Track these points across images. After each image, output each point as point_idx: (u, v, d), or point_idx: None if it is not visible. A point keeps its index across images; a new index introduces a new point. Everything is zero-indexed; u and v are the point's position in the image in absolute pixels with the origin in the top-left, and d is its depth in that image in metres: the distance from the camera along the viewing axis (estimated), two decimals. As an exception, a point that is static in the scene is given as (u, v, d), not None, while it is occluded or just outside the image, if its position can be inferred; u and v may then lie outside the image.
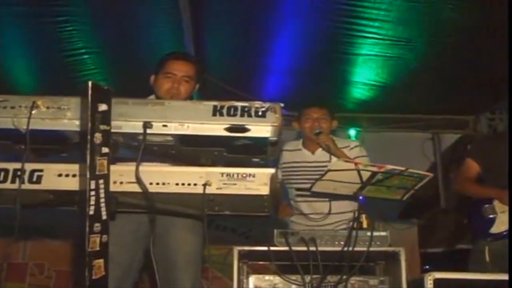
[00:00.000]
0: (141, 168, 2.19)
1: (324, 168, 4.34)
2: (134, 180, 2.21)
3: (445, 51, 5.55)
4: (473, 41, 5.33)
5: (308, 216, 4.43)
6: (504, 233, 4.23)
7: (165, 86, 3.56)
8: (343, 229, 4.13)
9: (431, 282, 3.05)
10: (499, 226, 4.25)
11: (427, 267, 6.70)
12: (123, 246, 3.30)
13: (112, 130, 2.09)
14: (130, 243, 3.37)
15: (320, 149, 4.49)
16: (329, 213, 4.32)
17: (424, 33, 5.25)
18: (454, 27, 5.08)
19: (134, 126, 2.20)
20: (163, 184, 2.27)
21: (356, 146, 4.57)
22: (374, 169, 3.13)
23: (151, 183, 2.23)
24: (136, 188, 2.22)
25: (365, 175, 3.16)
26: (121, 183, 2.25)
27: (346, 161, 3.24)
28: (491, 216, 4.31)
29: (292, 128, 4.69)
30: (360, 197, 3.35)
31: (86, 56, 5.61)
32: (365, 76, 6.15)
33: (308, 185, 4.23)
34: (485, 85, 6.28)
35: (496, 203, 4.33)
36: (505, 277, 3.38)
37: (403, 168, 3.16)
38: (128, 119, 2.19)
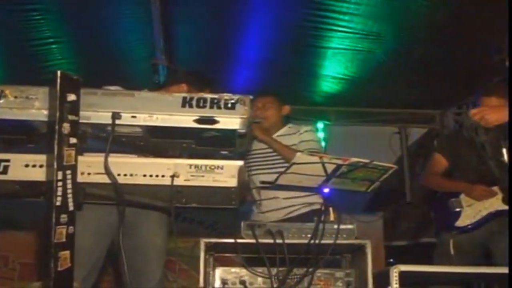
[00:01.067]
0: (109, 159, 2.17)
1: (272, 156, 4.39)
2: (102, 171, 2.20)
3: (413, 46, 5.59)
4: (442, 36, 5.38)
5: (260, 203, 4.45)
6: (469, 226, 4.29)
7: None
8: (298, 216, 4.21)
9: (396, 274, 3.08)
10: (464, 219, 4.31)
11: (391, 260, 6.74)
12: (93, 236, 3.28)
13: (81, 121, 2.07)
14: (100, 233, 3.35)
15: (274, 136, 4.51)
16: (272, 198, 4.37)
17: (394, 27, 5.29)
18: (423, 22, 5.12)
19: (102, 117, 2.18)
20: (131, 175, 2.26)
21: (306, 131, 4.51)
22: (339, 161, 3.14)
23: (119, 174, 2.22)
24: (104, 179, 2.21)
25: (330, 167, 3.17)
26: (89, 174, 2.24)
27: (311, 154, 3.24)
28: (457, 209, 4.36)
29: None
30: (327, 189, 3.37)
31: (54, 46, 5.54)
32: (334, 69, 6.17)
33: (264, 175, 4.30)
34: (453, 80, 6.35)
35: (462, 197, 4.39)
36: (468, 270, 3.44)
37: (367, 161, 3.17)
38: (97, 109, 2.18)
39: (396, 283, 3.06)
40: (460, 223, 4.32)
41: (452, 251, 4.21)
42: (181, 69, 4.10)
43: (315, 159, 3.14)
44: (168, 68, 5.03)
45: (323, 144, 4.50)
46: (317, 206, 4.25)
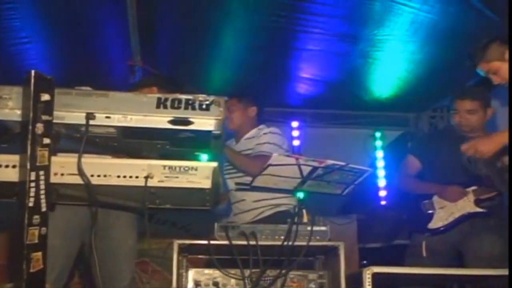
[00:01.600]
0: (82, 159, 2.16)
1: None
2: (75, 171, 2.19)
3: (389, 49, 5.62)
4: (417, 40, 5.42)
5: (234, 206, 4.46)
6: (442, 228, 4.31)
7: None
8: (264, 218, 4.22)
9: (369, 276, 3.09)
10: (437, 222, 4.33)
11: (365, 262, 6.77)
12: (65, 237, 3.26)
13: (54, 121, 2.06)
14: (72, 234, 3.33)
15: (244, 138, 4.54)
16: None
17: (370, 30, 5.31)
18: (400, 25, 5.15)
19: (76, 117, 2.18)
20: (105, 176, 2.25)
21: (265, 133, 4.47)
22: (315, 164, 3.15)
23: (92, 175, 2.22)
24: (77, 180, 2.20)
25: (306, 169, 3.18)
26: (62, 174, 2.22)
27: (287, 156, 3.25)
28: (429, 211, 4.38)
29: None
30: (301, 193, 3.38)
31: (29, 46, 5.49)
32: (310, 71, 6.19)
33: (240, 178, 4.31)
34: (428, 84, 6.39)
35: (435, 199, 4.41)
36: (441, 271, 3.46)
37: (343, 163, 3.18)
38: (71, 109, 2.17)
39: (369, 285, 3.08)
40: (432, 225, 4.35)
41: (424, 253, 4.24)
42: (154, 72, 4.10)
43: (291, 160, 3.15)
44: (143, 70, 5.02)
45: (285, 146, 4.46)
46: (283, 208, 4.28)
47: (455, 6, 4.82)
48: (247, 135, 4.52)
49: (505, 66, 3.63)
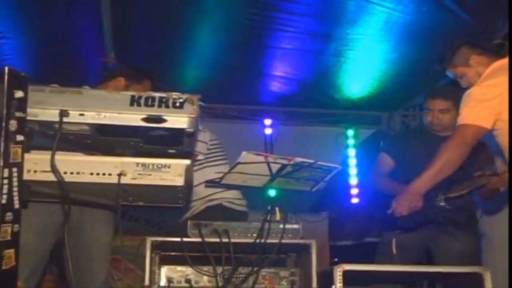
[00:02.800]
0: (56, 157, 2.16)
1: (216, 153, 4.42)
2: (48, 169, 2.18)
3: (362, 48, 5.63)
4: (391, 39, 5.45)
5: None
6: (412, 226, 4.34)
7: None
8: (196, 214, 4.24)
9: (340, 273, 3.12)
10: (407, 219, 4.38)
11: (336, 259, 6.81)
12: (38, 234, 3.25)
13: (28, 118, 2.05)
14: (45, 232, 3.31)
15: None
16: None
17: (343, 29, 5.31)
18: (373, 25, 5.18)
19: (50, 114, 2.17)
20: (78, 173, 2.25)
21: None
22: (284, 161, 3.17)
23: (65, 172, 2.22)
24: (50, 177, 2.20)
25: (275, 167, 3.20)
26: (35, 171, 2.22)
27: (256, 154, 3.27)
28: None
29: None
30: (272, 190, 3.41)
31: (3, 41, 5.43)
32: (283, 70, 6.19)
33: None
34: (401, 83, 6.42)
35: None
36: (411, 268, 3.51)
37: (312, 161, 3.20)
38: (44, 106, 2.17)
39: (340, 282, 3.11)
40: (403, 222, 4.39)
41: (394, 250, 4.26)
42: (118, 64, 4.08)
43: (260, 158, 3.16)
44: (117, 67, 5.00)
45: (206, 140, 4.47)
46: (215, 202, 4.29)
47: (429, 6, 4.83)
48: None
49: (470, 71, 3.70)
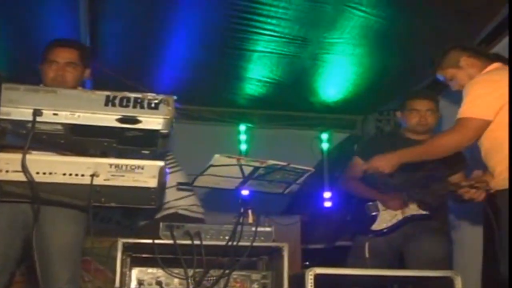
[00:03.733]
0: (28, 156, 2.14)
1: None
2: (20, 168, 2.16)
3: (338, 52, 5.66)
4: (367, 44, 5.48)
5: None
6: (385, 230, 4.34)
7: (50, 74, 3.52)
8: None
9: (312, 277, 3.13)
10: (381, 223, 4.35)
11: (307, 262, 6.82)
12: (6, 235, 3.21)
13: (1, 117, 2.03)
14: (8, 233, 3.27)
15: None
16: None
17: (320, 32, 5.33)
18: (350, 29, 5.19)
19: (23, 113, 2.15)
20: (50, 173, 2.23)
21: None
22: (256, 164, 3.18)
23: (37, 173, 2.20)
24: (22, 177, 2.17)
25: (247, 169, 3.21)
26: (7, 171, 2.19)
27: (228, 156, 3.27)
28: (373, 213, 4.40)
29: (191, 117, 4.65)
30: (247, 191, 3.41)
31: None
32: (259, 72, 6.18)
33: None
34: (375, 87, 6.45)
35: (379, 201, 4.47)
36: (382, 272, 3.53)
37: (285, 163, 3.21)
38: (18, 105, 2.14)
39: (311, 286, 3.12)
40: (376, 226, 4.37)
41: (367, 254, 4.27)
42: (103, 68, 4.05)
43: (233, 161, 3.17)
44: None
45: None
46: (171, 211, 4.27)
47: (405, 12, 4.88)
48: None
49: (460, 73, 3.69)
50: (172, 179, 4.18)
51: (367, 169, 3.87)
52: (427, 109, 4.45)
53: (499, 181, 3.43)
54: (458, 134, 3.47)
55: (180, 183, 4.20)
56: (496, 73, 3.61)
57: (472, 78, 3.61)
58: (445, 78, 3.80)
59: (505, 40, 4.96)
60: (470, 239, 5.29)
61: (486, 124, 3.41)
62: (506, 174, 3.36)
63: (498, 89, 3.41)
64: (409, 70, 5.83)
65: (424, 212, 4.29)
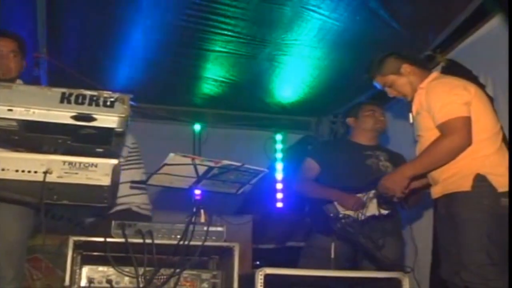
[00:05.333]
0: (-20, 152, 2.12)
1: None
2: (-28, 164, 2.14)
3: (295, 54, 5.69)
4: (324, 46, 5.52)
5: None
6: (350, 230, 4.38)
7: None
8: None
9: (262, 277, 3.15)
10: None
11: (258, 262, 6.85)
12: None
13: (-46, 112, 2.01)
14: None
15: None
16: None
17: (278, 34, 5.35)
18: (307, 31, 5.23)
19: (-23, 109, 2.13)
20: (2, 170, 2.21)
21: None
22: (211, 164, 3.19)
23: (-10, 169, 2.17)
24: (-26, 173, 2.15)
25: (202, 169, 3.22)
26: (-41, 168, 2.17)
27: (183, 156, 3.27)
28: (332, 214, 4.41)
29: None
30: (199, 191, 3.42)
31: None
32: (215, 72, 6.19)
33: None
34: (331, 89, 6.51)
35: (337, 203, 4.50)
36: (331, 273, 3.56)
37: (239, 164, 3.23)
38: (-29, 101, 2.12)
39: (261, 286, 3.13)
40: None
41: (332, 255, 4.25)
42: (60, 65, 4.01)
43: (187, 160, 3.17)
44: (48, 63, 4.91)
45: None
46: (124, 207, 4.27)
47: (363, 16, 4.93)
48: None
49: (400, 80, 3.74)
50: (129, 175, 4.18)
51: (380, 192, 3.88)
52: (381, 113, 4.67)
53: (447, 185, 3.50)
54: (452, 137, 3.40)
55: (133, 181, 4.18)
56: (453, 79, 3.70)
57: (413, 85, 3.68)
58: (383, 84, 3.83)
59: (460, 47, 5.12)
60: (422, 241, 5.38)
61: (470, 120, 3.40)
62: (455, 178, 3.43)
63: (464, 95, 3.46)
64: (364, 74, 5.89)
65: (384, 212, 4.34)
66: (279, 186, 7.71)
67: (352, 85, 6.25)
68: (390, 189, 3.74)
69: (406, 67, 3.72)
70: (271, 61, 5.90)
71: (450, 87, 3.52)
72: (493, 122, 3.52)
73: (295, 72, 6.18)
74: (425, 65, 3.84)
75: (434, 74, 3.73)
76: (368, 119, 4.68)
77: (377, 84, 3.88)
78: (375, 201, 4.34)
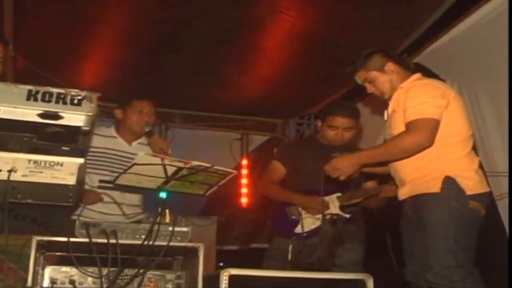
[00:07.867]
0: None
1: (112, 155, 4.39)
2: None
3: (261, 55, 5.72)
4: (290, 47, 5.54)
5: (121, 206, 4.35)
6: (307, 233, 4.39)
7: None
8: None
9: (226, 278, 3.14)
10: (304, 226, 4.40)
11: (221, 263, 6.85)
12: None
13: None
14: None
15: (136, 142, 4.52)
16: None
17: (246, 34, 5.35)
18: (276, 32, 5.25)
19: None
20: (-34, 168, 2.18)
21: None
22: (180, 164, 3.18)
23: (-48, 167, 2.14)
24: None
25: (171, 170, 3.21)
26: None
27: (153, 155, 3.26)
28: (294, 217, 4.46)
29: (114, 115, 4.59)
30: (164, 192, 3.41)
31: None
32: (182, 73, 6.14)
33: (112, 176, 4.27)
34: (298, 91, 6.55)
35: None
36: (295, 275, 3.57)
37: (208, 165, 3.22)
38: None
39: (225, 286, 3.13)
40: (299, 229, 4.42)
41: (290, 257, 4.28)
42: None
43: (157, 160, 3.16)
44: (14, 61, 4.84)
45: None
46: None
47: (330, 19, 4.96)
48: (141, 140, 4.54)
49: (382, 78, 3.75)
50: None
51: (327, 170, 3.84)
52: (345, 127, 4.52)
53: (416, 187, 3.54)
54: (414, 135, 3.42)
55: (101, 181, 4.15)
56: (435, 81, 3.74)
57: (393, 84, 3.70)
58: (364, 79, 3.82)
59: (428, 50, 5.18)
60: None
61: (438, 124, 3.43)
62: (424, 180, 3.47)
63: (440, 98, 3.48)
64: (331, 76, 5.93)
65: (345, 215, 4.38)
66: (244, 188, 7.71)
67: (319, 87, 6.28)
68: (337, 171, 3.73)
69: (390, 66, 3.73)
70: (238, 61, 5.89)
71: (429, 88, 3.56)
72: (467, 127, 3.57)
73: (262, 73, 6.18)
74: (408, 67, 3.85)
75: (416, 75, 3.75)
76: (327, 132, 4.58)
77: (358, 78, 3.84)
78: (337, 204, 4.38)
